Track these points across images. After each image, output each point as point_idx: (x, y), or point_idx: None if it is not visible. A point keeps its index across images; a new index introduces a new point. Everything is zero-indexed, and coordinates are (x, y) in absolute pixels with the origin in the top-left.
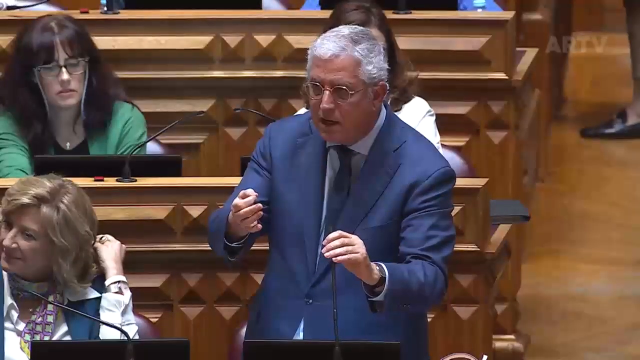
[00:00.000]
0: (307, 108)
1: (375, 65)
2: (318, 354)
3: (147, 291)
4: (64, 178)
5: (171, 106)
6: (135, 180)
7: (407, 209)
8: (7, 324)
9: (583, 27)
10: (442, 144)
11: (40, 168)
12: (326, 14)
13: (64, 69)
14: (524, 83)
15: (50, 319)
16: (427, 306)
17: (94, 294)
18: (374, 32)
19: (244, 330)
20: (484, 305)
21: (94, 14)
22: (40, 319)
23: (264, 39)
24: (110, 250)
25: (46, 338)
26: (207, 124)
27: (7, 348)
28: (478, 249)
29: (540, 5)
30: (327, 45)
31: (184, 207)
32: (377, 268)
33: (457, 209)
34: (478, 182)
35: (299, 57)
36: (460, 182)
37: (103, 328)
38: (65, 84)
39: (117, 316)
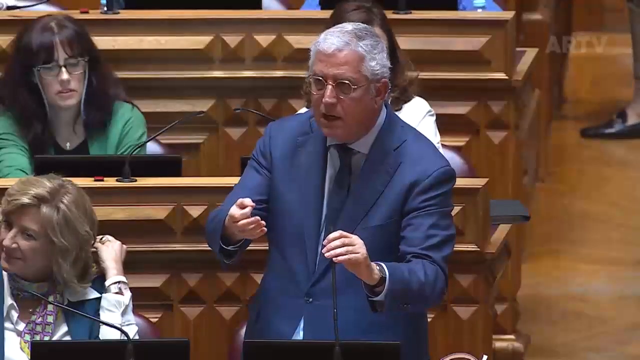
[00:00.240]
0: (307, 107)
1: (379, 61)
2: (318, 354)
3: (147, 291)
4: (64, 178)
5: (171, 106)
6: (135, 180)
7: (407, 208)
8: (7, 324)
9: (583, 27)
10: (442, 144)
11: (40, 168)
12: (326, 14)
13: (63, 69)
14: (524, 83)
15: (50, 319)
16: (428, 305)
17: (94, 294)
18: (376, 31)
19: (244, 330)
20: (484, 305)
21: (94, 14)
22: (40, 319)
23: (264, 39)
24: (110, 250)
25: (46, 338)
26: (207, 124)
27: (7, 348)
28: (478, 249)
29: (540, 5)
30: (331, 40)
31: (184, 207)
32: (378, 268)
33: (457, 209)
34: (478, 182)
35: (299, 57)
36: (460, 182)
37: (103, 328)
38: (65, 83)
39: (117, 316)
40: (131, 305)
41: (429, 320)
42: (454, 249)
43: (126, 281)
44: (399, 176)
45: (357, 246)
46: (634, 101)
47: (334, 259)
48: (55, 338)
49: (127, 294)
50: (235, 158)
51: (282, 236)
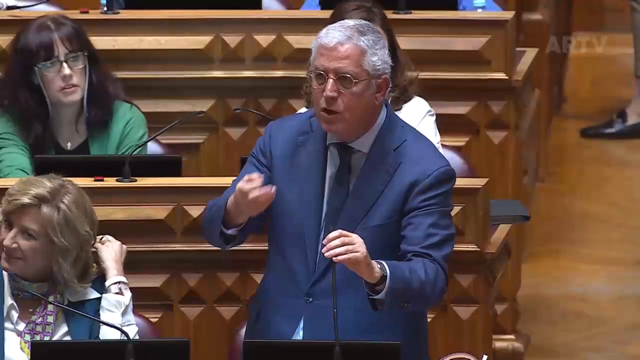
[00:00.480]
0: (307, 107)
1: (380, 57)
2: (318, 354)
3: (147, 291)
4: (64, 178)
5: (171, 106)
6: (135, 180)
7: (408, 207)
8: (7, 324)
9: (583, 27)
10: (442, 144)
11: (40, 168)
12: (326, 14)
13: (65, 64)
14: (524, 83)
15: (50, 319)
16: (428, 304)
17: (94, 295)
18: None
19: (244, 330)
20: (484, 305)
21: (94, 14)
22: (40, 319)
23: (264, 39)
24: (110, 250)
25: (46, 338)
26: (207, 124)
27: (7, 348)
28: (478, 249)
29: (540, 5)
30: (333, 34)
31: (184, 207)
32: (378, 266)
33: (457, 209)
34: (478, 182)
35: (299, 57)
36: (460, 182)
37: (103, 328)
38: (68, 78)
39: (118, 317)
40: (131, 306)
41: (429, 320)
42: (454, 248)
43: (126, 281)
44: (399, 176)
45: (356, 245)
46: (633, 101)
47: (333, 258)
48: (55, 338)
49: (127, 294)
50: (235, 158)
51: (282, 236)
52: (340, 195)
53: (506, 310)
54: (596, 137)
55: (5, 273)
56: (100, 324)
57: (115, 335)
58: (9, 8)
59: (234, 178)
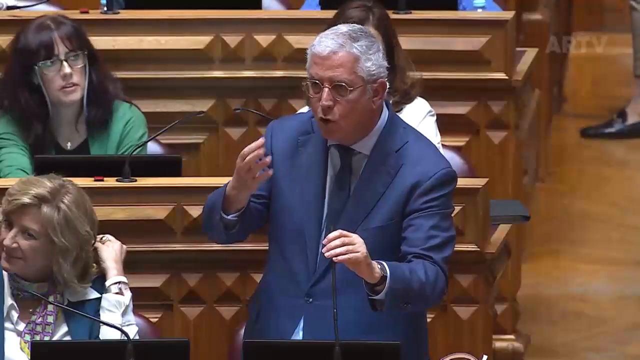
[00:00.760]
0: (309, 107)
1: (374, 62)
2: (318, 354)
3: (147, 291)
4: (64, 178)
5: (171, 106)
6: (135, 180)
7: (409, 209)
8: (7, 324)
9: (583, 27)
10: (442, 144)
11: (40, 168)
12: (326, 14)
13: (65, 63)
14: (524, 83)
15: (50, 319)
16: (428, 305)
17: (94, 295)
18: (371, 31)
19: (244, 330)
20: (484, 305)
21: (94, 14)
22: (40, 319)
23: (264, 39)
24: (110, 250)
25: (46, 338)
26: (207, 124)
27: (7, 348)
28: (478, 249)
29: (540, 5)
30: (325, 42)
31: (184, 207)
32: (379, 266)
33: (457, 209)
34: (478, 182)
35: (299, 57)
36: (460, 182)
37: (103, 328)
38: (68, 77)
39: (118, 317)
40: (131, 306)
41: (429, 320)
42: (454, 249)
43: (126, 281)
44: (400, 178)
45: (357, 245)
46: (633, 100)
47: (334, 258)
48: (55, 338)
49: (128, 294)
50: (235, 158)
51: (283, 236)
52: (341, 197)
53: (506, 310)
54: (596, 137)
55: (5, 273)
56: (100, 324)
57: (115, 335)
58: (9, 8)
59: None
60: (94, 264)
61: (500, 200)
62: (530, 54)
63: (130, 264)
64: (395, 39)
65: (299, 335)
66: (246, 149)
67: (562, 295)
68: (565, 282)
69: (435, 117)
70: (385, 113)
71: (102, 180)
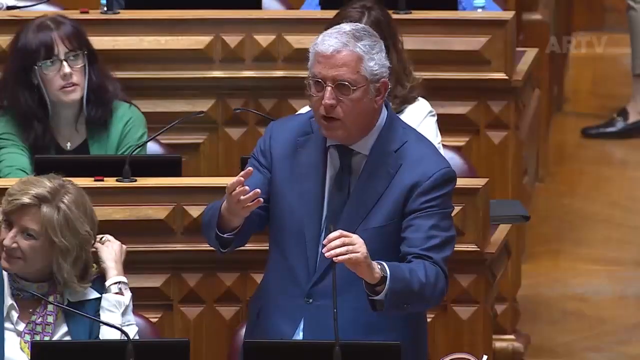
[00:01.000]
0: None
1: (377, 62)
2: (318, 354)
3: (147, 291)
4: (64, 178)
5: (171, 106)
6: (135, 180)
7: (408, 209)
8: (7, 324)
9: (583, 27)
10: (442, 144)
11: (40, 168)
12: (326, 14)
13: (65, 63)
14: (524, 83)
15: (50, 319)
16: (428, 306)
17: (94, 295)
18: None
19: (244, 330)
20: (484, 305)
21: (94, 14)
22: (40, 319)
23: (264, 39)
24: (110, 250)
25: (46, 338)
26: (207, 124)
27: (7, 348)
28: (478, 249)
29: (540, 5)
30: (329, 41)
31: (184, 207)
32: (379, 267)
33: (457, 209)
34: (478, 182)
35: (299, 57)
36: (460, 182)
37: (103, 328)
38: (68, 77)
39: (118, 317)
40: (131, 306)
41: (429, 320)
42: (454, 249)
43: (126, 281)
44: (400, 178)
45: (357, 245)
46: (633, 99)
47: (334, 258)
48: (55, 338)
49: (127, 294)
50: (235, 158)
51: (283, 236)
52: (341, 197)
53: (506, 310)
54: (598, 137)
55: (5, 273)
56: (100, 324)
57: (115, 335)
58: (9, 8)
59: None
60: (94, 264)
61: (500, 200)
62: (530, 54)
63: (130, 264)
64: (392, 40)
65: (299, 335)
66: (230, 184)
67: (562, 295)
68: (565, 282)
69: (435, 118)
70: (384, 113)
71: (102, 180)
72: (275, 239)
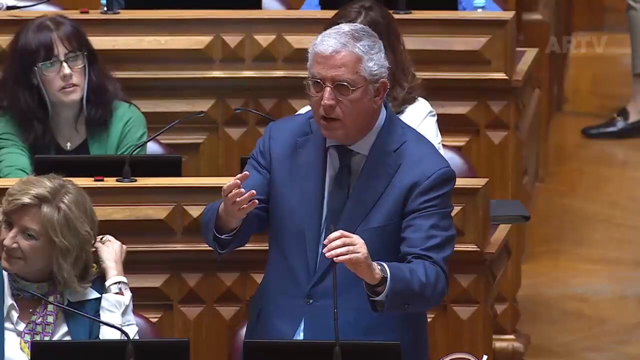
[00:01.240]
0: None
1: (377, 62)
2: (318, 354)
3: (147, 291)
4: (64, 178)
5: (171, 106)
6: (135, 180)
7: (408, 209)
8: (7, 324)
9: (583, 27)
10: (442, 144)
11: (40, 168)
12: (326, 13)
13: (65, 64)
14: (524, 83)
15: (50, 319)
16: (429, 306)
17: (94, 295)
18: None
19: (244, 330)
20: (484, 305)
21: (94, 14)
22: (40, 319)
23: (264, 39)
24: (110, 250)
25: (46, 338)
26: (207, 124)
27: (7, 348)
28: (478, 249)
29: (540, 5)
30: (328, 41)
31: (184, 207)
32: (379, 267)
33: (457, 209)
34: (478, 182)
35: (299, 57)
36: (460, 182)
37: (103, 328)
38: (68, 78)
39: (118, 317)
40: (131, 306)
41: (429, 320)
42: (454, 249)
43: (126, 281)
44: (399, 177)
45: (357, 246)
46: (633, 99)
47: (334, 258)
48: (55, 338)
49: (128, 294)
50: (235, 158)
51: (283, 236)
52: (340, 197)
53: (506, 310)
54: (598, 137)
55: (5, 273)
56: (100, 324)
57: (115, 335)
58: (9, 8)
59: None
60: (94, 264)
61: (500, 200)
62: (530, 54)
63: (130, 264)
64: (389, 41)
65: (299, 336)
66: (226, 187)
67: (561, 295)
68: (565, 282)
69: (436, 118)
70: (383, 113)
71: (102, 180)
72: (275, 239)
